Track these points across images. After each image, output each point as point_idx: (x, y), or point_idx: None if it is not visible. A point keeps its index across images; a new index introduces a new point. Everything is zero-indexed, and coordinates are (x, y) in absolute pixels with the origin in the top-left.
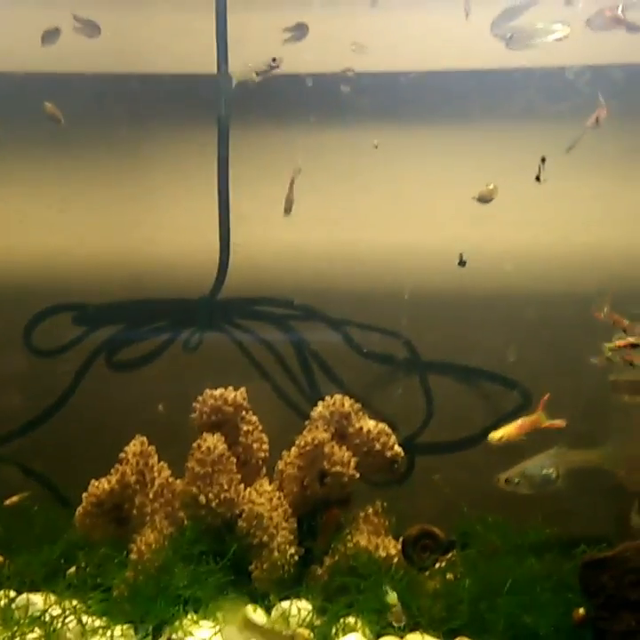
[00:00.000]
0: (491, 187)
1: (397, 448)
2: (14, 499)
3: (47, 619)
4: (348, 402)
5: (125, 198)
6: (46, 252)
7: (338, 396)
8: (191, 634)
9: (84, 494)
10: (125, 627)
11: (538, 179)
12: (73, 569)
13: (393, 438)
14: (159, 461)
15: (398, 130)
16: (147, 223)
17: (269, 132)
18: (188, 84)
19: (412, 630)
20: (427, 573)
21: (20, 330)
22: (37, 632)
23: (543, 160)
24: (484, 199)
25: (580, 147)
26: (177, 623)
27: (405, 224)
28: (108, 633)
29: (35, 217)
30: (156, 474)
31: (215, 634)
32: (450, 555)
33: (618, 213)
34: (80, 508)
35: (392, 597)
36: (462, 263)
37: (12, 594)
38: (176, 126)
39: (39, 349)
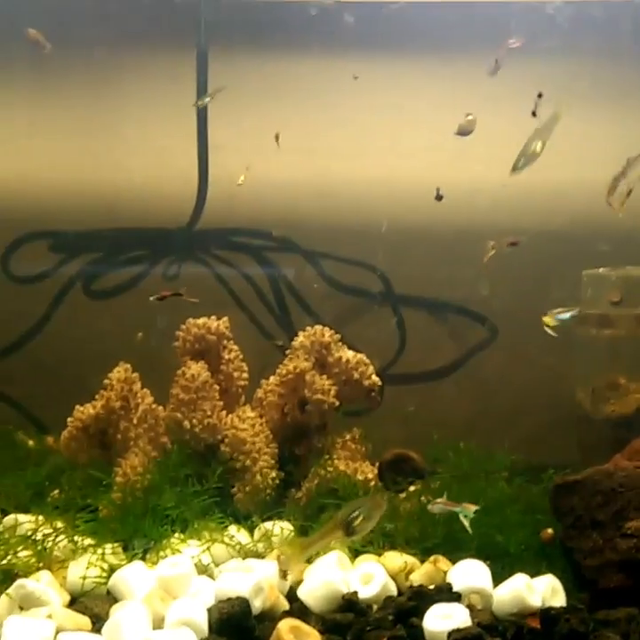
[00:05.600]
0: (470, 117)
1: (375, 377)
2: None
3: (38, 537)
4: (327, 332)
5: (100, 124)
6: (15, 178)
7: (318, 327)
8: (179, 551)
9: (69, 419)
10: (115, 545)
11: (534, 114)
12: (57, 491)
13: (371, 368)
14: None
15: (379, 61)
16: (121, 150)
17: (248, 59)
18: (168, 7)
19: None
20: (402, 496)
21: None
22: (28, 551)
23: (540, 96)
24: (464, 131)
25: (558, 84)
26: (165, 542)
27: (384, 157)
28: (99, 551)
29: (2, 141)
30: (139, 400)
31: (203, 552)
32: (424, 479)
33: (592, 152)
34: (65, 433)
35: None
36: (439, 197)
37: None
38: (154, 51)
39: (17, 276)
